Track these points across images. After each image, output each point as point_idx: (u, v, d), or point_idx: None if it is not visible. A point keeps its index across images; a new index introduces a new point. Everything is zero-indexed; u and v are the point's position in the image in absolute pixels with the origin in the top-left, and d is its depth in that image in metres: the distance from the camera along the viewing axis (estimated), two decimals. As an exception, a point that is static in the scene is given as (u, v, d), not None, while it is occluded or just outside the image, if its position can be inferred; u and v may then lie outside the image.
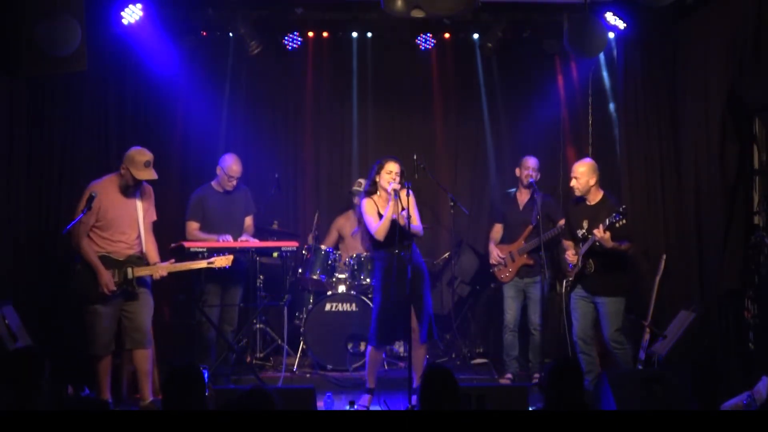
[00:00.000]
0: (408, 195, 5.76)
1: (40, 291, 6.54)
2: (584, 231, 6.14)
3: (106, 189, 5.76)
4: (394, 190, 5.81)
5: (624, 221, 5.89)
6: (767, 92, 5.87)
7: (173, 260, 5.93)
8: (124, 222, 5.77)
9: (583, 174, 6.19)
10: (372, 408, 5.95)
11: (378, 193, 5.99)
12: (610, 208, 6.07)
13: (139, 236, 5.83)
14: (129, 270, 5.71)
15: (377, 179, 5.96)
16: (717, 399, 5.22)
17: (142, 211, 5.84)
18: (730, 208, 6.22)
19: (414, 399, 5.40)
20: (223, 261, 6.00)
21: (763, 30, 5.78)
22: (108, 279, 5.63)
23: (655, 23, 6.96)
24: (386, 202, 5.90)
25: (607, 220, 5.90)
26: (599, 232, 5.90)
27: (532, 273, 6.78)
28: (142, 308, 5.80)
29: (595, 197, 6.24)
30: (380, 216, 5.89)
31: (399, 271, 5.79)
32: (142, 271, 5.78)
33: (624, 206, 6.01)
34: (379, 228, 5.87)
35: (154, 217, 6.01)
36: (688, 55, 6.80)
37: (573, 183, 6.22)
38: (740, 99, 6.09)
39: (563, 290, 6.45)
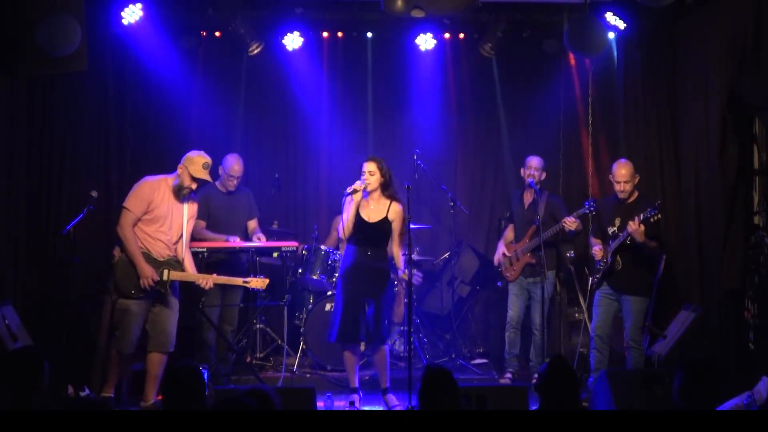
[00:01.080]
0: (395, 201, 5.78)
1: (40, 291, 6.54)
2: (615, 228, 6.20)
3: (160, 186, 5.73)
4: (352, 191, 5.82)
5: (659, 216, 5.93)
6: (767, 92, 5.87)
7: (215, 273, 5.91)
8: (169, 222, 5.73)
9: (629, 176, 6.22)
10: (364, 407, 5.95)
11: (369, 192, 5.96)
12: (644, 207, 6.10)
13: (178, 241, 5.79)
14: (165, 272, 5.66)
15: None
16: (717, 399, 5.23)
17: (187, 218, 5.81)
18: (730, 208, 6.22)
19: (414, 399, 5.40)
20: (258, 283, 5.94)
21: (763, 30, 5.79)
22: (150, 272, 5.58)
23: (655, 23, 6.97)
24: (370, 201, 5.90)
25: (642, 215, 5.94)
26: (634, 224, 5.93)
27: (536, 272, 6.78)
28: (169, 312, 5.76)
29: (632, 196, 6.28)
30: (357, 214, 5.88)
31: (356, 271, 5.85)
32: (179, 276, 5.73)
33: (659, 201, 6.03)
34: (342, 226, 5.90)
35: (192, 231, 5.99)
36: (688, 55, 6.80)
37: (621, 187, 6.21)
38: (740, 99, 6.09)
39: (590, 287, 6.49)
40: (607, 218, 6.36)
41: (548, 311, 6.75)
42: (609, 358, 6.40)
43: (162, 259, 5.69)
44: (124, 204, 5.67)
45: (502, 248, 6.99)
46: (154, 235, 5.69)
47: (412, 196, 5.84)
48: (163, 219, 5.70)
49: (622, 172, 6.24)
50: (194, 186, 5.78)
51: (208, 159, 5.78)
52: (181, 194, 5.76)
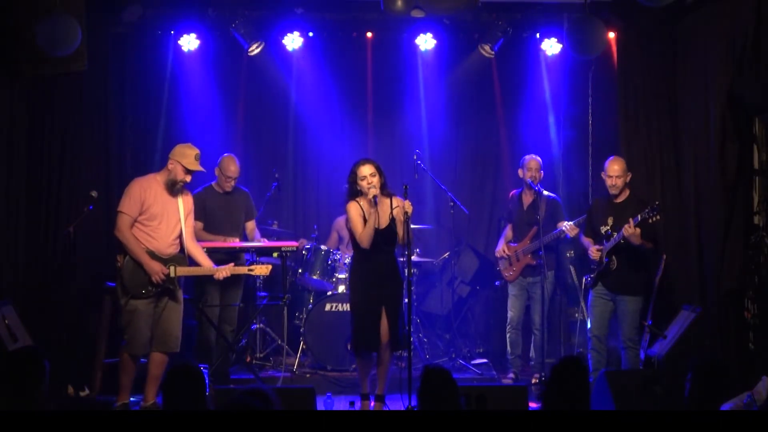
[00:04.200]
0: (398, 198, 5.66)
1: (40, 291, 6.54)
2: (608, 228, 6.17)
3: (150, 184, 5.69)
4: (374, 197, 5.61)
5: (658, 217, 5.86)
6: (767, 92, 5.87)
7: (233, 264, 5.87)
8: (167, 219, 5.69)
9: (622, 171, 6.20)
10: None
11: (361, 195, 5.74)
12: (636, 205, 6.08)
13: (179, 237, 5.74)
14: (172, 269, 5.63)
15: (357, 186, 5.70)
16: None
17: (184, 213, 5.76)
18: (730, 208, 6.22)
19: (414, 399, 5.40)
20: (262, 269, 5.95)
21: (762, 30, 5.78)
22: (159, 267, 5.55)
23: (655, 23, 6.97)
24: (371, 204, 5.68)
25: (639, 216, 5.87)
26: (630, 228, 5.88)
27: (535, 273, 6.79)
28: (176, 310, 5.72)
29: (623, 194, 6.25)
30: (365, 220, 5.66)
31: (373, 275, 5.72)
32: (187, 271, 5.72)
33: (657, 202, 5.98)
34: (362, 236, 5.65)
35: (193, 223, 5.92)
36: (688, 55, 6.81)
37: (613, 182, 6.18)
38: (740, 99, 6.09)
39: (583, 286, 6.47)
40: (599, 218, 6.31)
41: (548, 311, 6.74)
42: (607, 358, 6.39)
43: (167, 257, 5.67)
44: (119, 208, 5.61)
45: (504, 245, 6.99)
46: (154, 234, 5.65)
47: (412, 196, 5.79)
48: (159, 216, 5.67)
49: (615, 167, 6.22)
50: (188, 179, 5.72)
51: (197, 150, 5.73)
52: (175, 189, 5.72)
